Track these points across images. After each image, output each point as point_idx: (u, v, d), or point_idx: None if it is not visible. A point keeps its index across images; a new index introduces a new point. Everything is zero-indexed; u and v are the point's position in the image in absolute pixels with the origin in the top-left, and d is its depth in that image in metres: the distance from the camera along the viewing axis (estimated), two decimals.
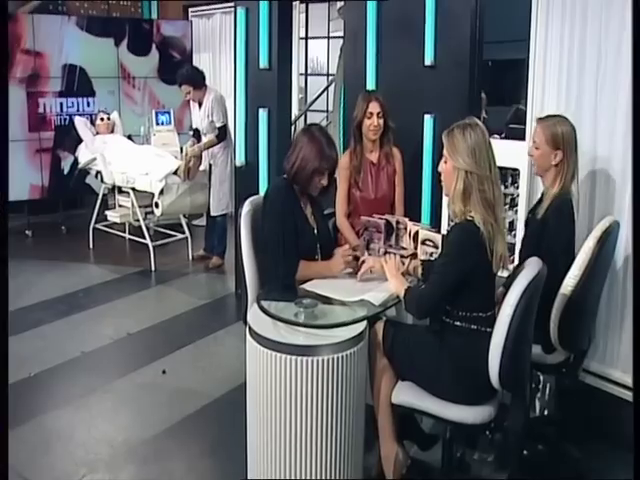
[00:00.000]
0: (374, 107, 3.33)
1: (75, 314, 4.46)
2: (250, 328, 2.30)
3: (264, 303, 2.37)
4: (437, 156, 3.71)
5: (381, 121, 3.34)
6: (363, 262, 2.64)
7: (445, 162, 2.29)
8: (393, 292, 2.44)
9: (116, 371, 3.67)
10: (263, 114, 4.49)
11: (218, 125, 5.24)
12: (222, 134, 5.28)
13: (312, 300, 2.31)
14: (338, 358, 2.18)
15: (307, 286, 2.54)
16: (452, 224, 2.32)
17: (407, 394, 2.38)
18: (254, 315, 2.35)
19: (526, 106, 3.28)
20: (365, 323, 2.31)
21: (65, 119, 6.55)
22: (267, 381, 2.23)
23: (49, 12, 6.99)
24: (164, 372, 3.63)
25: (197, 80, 5.27)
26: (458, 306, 2.27)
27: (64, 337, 4.08)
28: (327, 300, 2.43)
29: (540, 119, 2.74)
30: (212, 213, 5.44)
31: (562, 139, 2.61)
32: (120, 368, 3.71)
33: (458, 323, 2.28)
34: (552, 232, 2.64)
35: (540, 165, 2.70)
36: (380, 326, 2.45)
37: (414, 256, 2.93)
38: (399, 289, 2.39)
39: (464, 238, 2.21)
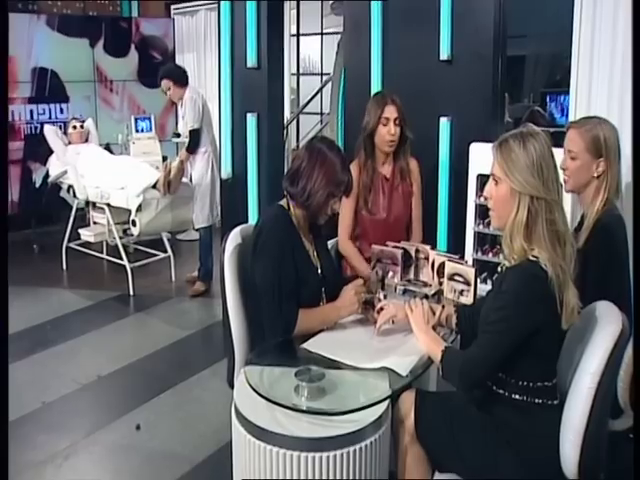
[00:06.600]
0: (390, 112, 2.73)
1: (39, 352, 3.89)
2: (236, 409, 1.73)
3: (254, 372, 1.80)
4: (455, 166, 3.23)
5: (398, 129, 2.74)
6: (381, 309, 2.07)
7: (496, 184, 1.72)
8: (424, 353, 1.88)
9: (81, 428, 3.08)
10: (252, 119, 3.93)
11: (188, 128, 4.63)
12: (193, 142, 4.65)
13: (317, 370, 1.74)
14: (353, 452, 1.62)
15: (309, 346, 1.97)
16: (507, 265, 1.74)
17: None
18: (241, 389, 1.78)
19: (542, 109, 2.79)
20: (388, 400, 1.75)
21: (36, 127, 6.11)
22: (260, 477, 1.68)
23: (18, 11, 6.41)
24: (138, 428, 3.06)
25: (178, 75, 4.73)
26: (516, 374, 1.71)
27: (23, 383, 3.48)
28: (335, 363, 1.87)
29: (575, 123, 2.30)
30: (195, 225, 4.95)
31: (605, 145, 2.17)
32: (86, 424, 3.12)
33: (517, 397, 1.72)
34: (602, 264, 2.12)
35: (578, 179, 2.24)
36: (408, 397, 1.86)
37: (440, 294, 2.39)
38: (433, 350, 1.83)
39: (529, 286, 1.65)
